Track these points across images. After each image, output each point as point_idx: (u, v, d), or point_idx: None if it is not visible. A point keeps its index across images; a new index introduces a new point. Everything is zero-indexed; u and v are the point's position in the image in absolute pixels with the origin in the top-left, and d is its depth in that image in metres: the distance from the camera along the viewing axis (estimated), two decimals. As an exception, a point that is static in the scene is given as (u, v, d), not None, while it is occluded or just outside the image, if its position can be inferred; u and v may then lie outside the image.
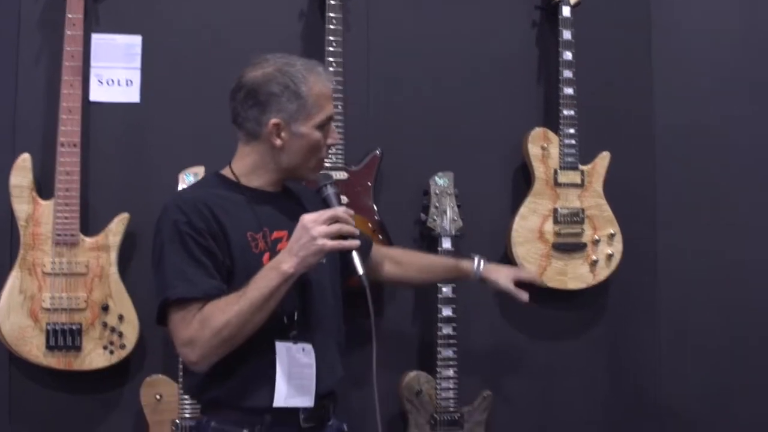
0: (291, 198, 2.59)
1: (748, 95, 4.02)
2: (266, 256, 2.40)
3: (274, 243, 2.44)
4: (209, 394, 2.44)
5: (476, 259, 3.00)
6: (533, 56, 3.80)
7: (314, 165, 2.52)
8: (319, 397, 2.47)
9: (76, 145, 3.19)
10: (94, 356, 3.18)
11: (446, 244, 3.39)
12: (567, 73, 3.62)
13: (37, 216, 3.16)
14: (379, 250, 2.99)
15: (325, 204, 2.43)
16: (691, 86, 3.97)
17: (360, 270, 2.36)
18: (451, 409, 3.41)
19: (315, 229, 2.28)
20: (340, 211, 2.35)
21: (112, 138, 3.39)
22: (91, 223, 3.29)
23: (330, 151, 3.32)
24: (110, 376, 3.27)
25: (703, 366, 3.89)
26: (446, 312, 3.38)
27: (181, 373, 3.15)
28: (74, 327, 3.15)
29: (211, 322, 2.29)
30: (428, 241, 3.51)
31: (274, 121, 2.42)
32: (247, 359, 2.39)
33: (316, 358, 2.46)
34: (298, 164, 2.50)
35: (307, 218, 2.31)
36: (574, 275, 3.62)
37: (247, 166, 2.51)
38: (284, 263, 2.29)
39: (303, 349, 2.44)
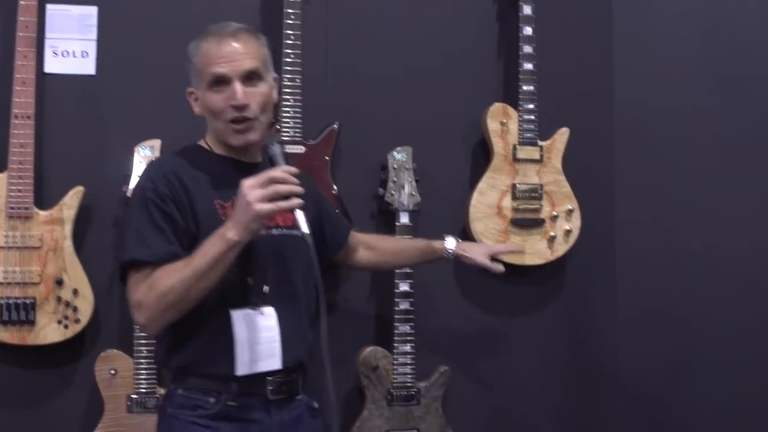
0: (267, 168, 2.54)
1: (708, 74, 4.03)
2: None
3: None
4: (175, 361, 2.47)
5: (448, 239, 3.02)
6: (493, 31, 3.78)
7: (225, 128, 2.49)
8: (287, 368, 2.48)
9: (30, 117, 3.15)
10: (49, 331, 3.15)
11: (404, 219, 3.38)
12: (527, 48, 3.61)
13: (-10, 189, 3.13)
14: (354, 236, 3.02)
15: (272, 163, 2.41)
16: (652, 63, 3.97)
17: (305, 229, 2.33)
18: (408, 385, 3.41)
19: (251, 193, 2.27)
20: (277, 171, 2.33)
21: (67, 110, 3.35)
22: (45, 196, 3.25)
23: (286, 124, 3.31)
24: (65, 350, 3.24)
25: (659, 341, 3.92)
26: (403, 287, 3.37)
27: (136, 348, 3.14)
28: (28, 301, 3.12)
29: (158, 286, 2.32)
30: (386, 216, 3.50)
31: (189, 90, 2.54)
32: (208, 326, 2.41)
33: (280, 324, 2.47)
34: (214, 129, 2.52)
35: (245, 183, 2.30)
36: (532, 251, 3.63)
37: (210, 136, 2.57)
38: (229, 230, 2.29)
39: (263, 313, 2.45)
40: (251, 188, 2.28)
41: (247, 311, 2.44)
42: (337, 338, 3.47)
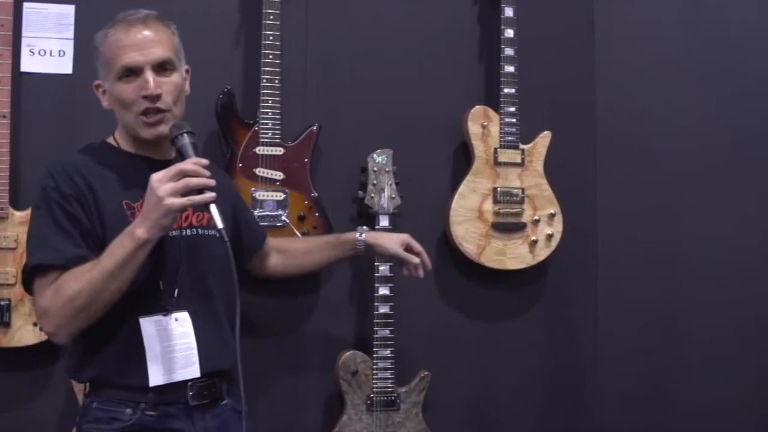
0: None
1: (689, 77, 4.03)
2: None
3: None
4: (87, 373, 2.37)
5: (360, 228, 3.02)
6: (475, 33, 3.76)
7: (135, 121, 2.40)
8: (208, 373, 2.40)
9: (5, 117, 3.12)
10: (24, 333, 3.11)
11: (384, 221, 3.35)
12: (508, 51, 3.59)
13: (-35, 189, 3.10)
14: (268, 242, 2.96)
15: (181, 156, 2.31)
16: (634, 67, 3.96)
17: (219, 224, 2.23)
18: (388, 389, 3.38)
19: (161, 188, 2.17)
20: (188, 163, 2.24)
21: (43, 110, 3.31)
22: (21, 196, 3.21)
23: (266, 125, 3.28)
24: (40, 353, 3.19)
25: (640, 345, 3.91)
26: (383, 291, 3.34)
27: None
28: (3, 303, 3.09)
29: (65, 290, 2.22)
30: (366, 219, 3.47)
31: (95, 83, 2.45)
32: (120, 335, 2.32)
33: (196, 330, 2.37)
34: (124, 122, 2.42)
35: (154, 177, 2.20)
36: (514, 255, 3.61)
37: (119, 132, 2.48)
38: (138, 228, 2.20)
39: (176, 319, 2.35)
40: (161, 182, 2.18)
41: (159, 317, 2.34)
42: (316, 342, 3.51)
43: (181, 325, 2.34)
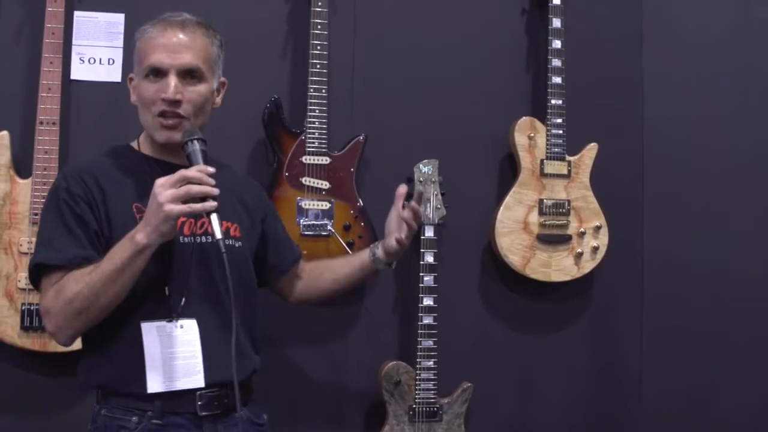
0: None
1: (738, 89, 3.97)
2: None
3: None
4: (94, 380, 2.36)
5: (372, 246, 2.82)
6: (522, 44, 3.75)
7: (152, 121, 2.38)
8: (215, 383, 2.34)
9: (55, 124, 3.15)
10: (68, 338, 3.14)
11: (429, 232, 3.34)
12: (556, 62, 3.57)
13: (15, 195, 3.13)
14: (301, 265, 2.85)
15: (190, 162, 2.28)
16: (682, 78, 3.92)
17: (218, 234, 2.18)
18: (431, 401, 3.37)
19: (162, 194, 2.15)
20: (192, 170, 2.20)
21: (92, 117, 3.35)
22: (69, 203, 3.24)
23: (312, 135, 3.28)
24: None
25: (686, 361, 3.86)
26: (427, 302, 3.33)
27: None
28: (48, 308, 3.10)
29: (65, 291, 2.21)
30: (412, 229, 3.47)
31: (129, 75, 2.42)
32: (124, 342, 2.29)
33: (204, 338, 2.33)
34: (143, 122, 2.40)
35: (157, 182, 2.18)
36: (559, 267, 3.58)
37: (143, 133, 2.47)
38: (138, 233, 2.18)
39: (181, 326, 2.31)
40: (163, 187, 2.16)
41: (161, 323, 2.30)
42: (359, 352, 3.51)
43: (186, 333, 2.31)
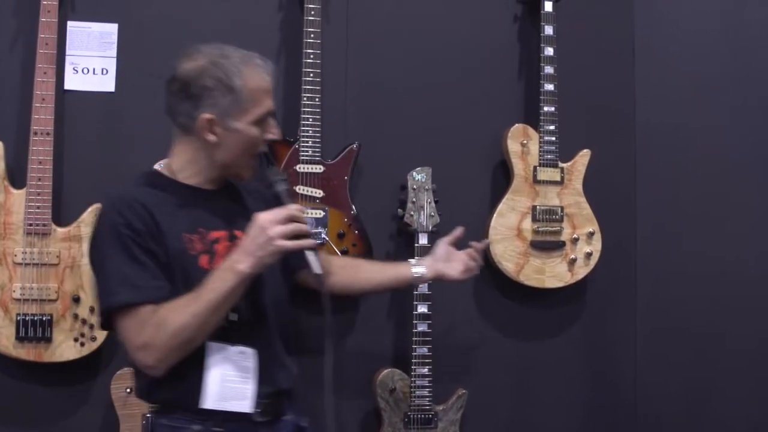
0: (231, 196, 2.52)
1: (730, 94, 4.00)
2: (204, 258, 2.35)
3: (212, 244, 2.38)
4: (159, 396, 2.39)
5: (411, 263, 2.88)
6: (514, 51, 3.76)
7: (247, 162, 2.45)
8: (270, 394, 2.42)
9: (49, 134, 3.15)
10: (65, 348, 3.14)
11: (423, 240, 3.35)
12: (548, 69, 3.58)
13: (9, 205, 3.13)
14: (324, 259, 2.86)
15: (278, 201, 2.39)
16: (673, 85, 3.94)
17: (318, 270, 2.32)
18: (426, 407, 3.37)
19: (272, 229, 2.24)
20: (295, 210, 2.31)
21: (86, 127, 3.36)
22: (63, 213, 3.25)
23: (306, 143, 3.30)
24: (81, 368, 3.23)
25: (680, 366, 3.88)
26: (422, 309, 3.34)
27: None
28: (45, 318, 3.11)
29: (168, 325, 2.23)
30: (405, 237, 3.48)
31: (206, 116, 2.33)
32: (191, 362, 2.32)
33: (262, 360, 2.40)
34: (233, 161, 2.42)
35: (262, 218, 2.26)
36: (552, 273, 3.60)
37: (183, 162, 2.44)
38: (240, 263, 2.24)
39: (242, 353, 2.38)
40: (271, 223, 2.25)
41: (224, 345, 2.36)
42: (354, 359, 3.50)
43: (245, 359, 2.38)
